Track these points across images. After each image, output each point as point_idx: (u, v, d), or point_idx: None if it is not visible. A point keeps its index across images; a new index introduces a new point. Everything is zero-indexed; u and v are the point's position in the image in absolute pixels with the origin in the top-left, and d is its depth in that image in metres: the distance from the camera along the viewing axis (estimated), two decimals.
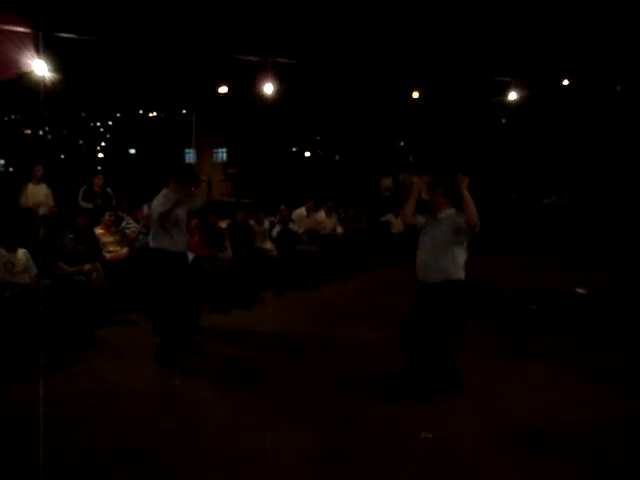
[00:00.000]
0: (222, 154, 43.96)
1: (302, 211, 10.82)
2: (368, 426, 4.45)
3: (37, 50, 7.49)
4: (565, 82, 16.30)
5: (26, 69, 7.48)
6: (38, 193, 9.54)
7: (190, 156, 40.91)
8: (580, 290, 9.09)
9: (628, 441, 4.22)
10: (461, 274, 4.92)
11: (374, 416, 4.62)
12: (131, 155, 43.05)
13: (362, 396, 5.01)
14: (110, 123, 46.58)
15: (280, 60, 9.82)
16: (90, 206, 9.53)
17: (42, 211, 8.59)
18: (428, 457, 3.99)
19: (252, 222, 9.50)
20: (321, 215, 11.06)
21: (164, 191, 5.87)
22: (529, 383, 5.37)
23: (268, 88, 10.59)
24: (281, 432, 4.34)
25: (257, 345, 6.55)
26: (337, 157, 36.89)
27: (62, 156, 34.72)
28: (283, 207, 10.31)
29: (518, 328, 7.16)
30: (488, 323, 7.37)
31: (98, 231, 7.92)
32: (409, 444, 4.17)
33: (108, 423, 4.45)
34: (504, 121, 24.65)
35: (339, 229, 11.17)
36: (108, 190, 9.89)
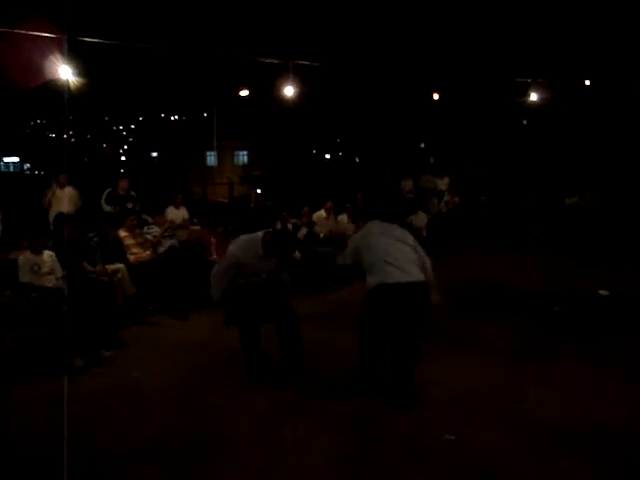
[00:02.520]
0: (243, 156, 44.24)
1: (322, 213, 10.84)
2: (390, 427, 4.45)
3: (62, 55, 7.62)
4: (587, 82, 16.21)
5: (53, 76, 7.62)
6: (62, 195, 9.77)
7: (211, 159, 41.22)
8: (603, 292, 9.00)
9: None
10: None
11: (396, 417, 4.62)
12: (153, 158, 43.44)
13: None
14: (133, 127, 47.04)
15: (301, 62, 9.87)
16: (111, 210, 9.65)
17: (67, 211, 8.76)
18: (452, 459, 3.99)
19: (277, 224, 9.54)
20: (343, 218, 11.06)
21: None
22: (553, 385, 5.31)
23: (288, 90, 10.64)
24: (305, 433, 4.36)
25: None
26: (357, 159, 36.92)
27: (86, 159, 35.16)
28: (306, 209, 10.32)
29: (541, 330, 7.12)
30: (510, 325, 7.33)
31: (122, 234, 8.03)
32: (432, 446, 4.16)
33: (134, 423, 4.52)
34: (525, 122, 24.49)
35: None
36: (132, 193, 9.99)
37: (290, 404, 4.88)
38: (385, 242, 5.04)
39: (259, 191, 8.19)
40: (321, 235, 10.25)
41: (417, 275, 4.91)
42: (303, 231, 9.98)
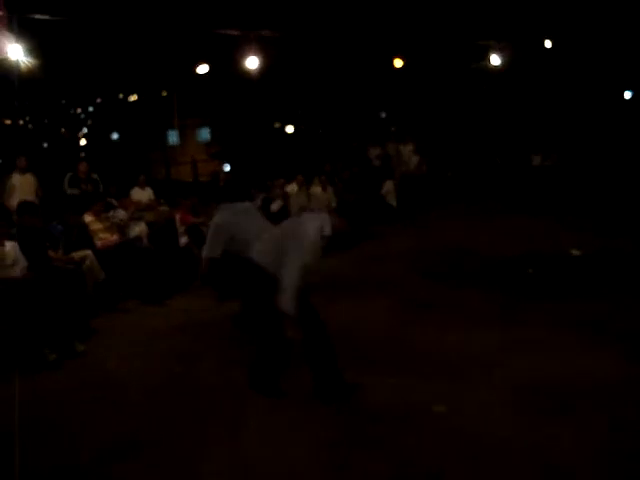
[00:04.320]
0: (205, 134, 43.49)
1: (294, 186, 10.67)
2: (379, 402, 4.36)
3: (12, 33, 7.22)
4: (548, 43, 16.19)
5: (2, 55, 7.21)
6: (23, 182, 9.40)
7: (173, 138, 40.43)
8: (575, 251, 9.07)
9: None
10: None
11: (384, 390, 4.52)
12: (114, 140, 42.53)
13: (368, 369, 4.91)
14: (91, 109, 45.93)
15: (263, 33, 9.58)
16: (76, 192, 9.42)
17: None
18: (444, 431, 3.92)
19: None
20: (316, 190, 10.90)
21: None
22: (536, 348, 5.31)
23: (252, 62, 10.31)
24: (290, 415, 4.24)
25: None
26: (320, 131, 36.59)
27: (45, 145, 34.18)
28: (282, 181, 10.09)
29: (516, 293, 7.11)
30: (485, 290, 7.32)
31: (87, 218, 7.78)
32: (424, 419, 4.10)
33: (115, 418, 4.33)
34: (485, 86, 24.46)
35: (333, 204, 11.00)
36: (94, 176, 9.76)
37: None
38: None
39: (227, 169, 7.97)
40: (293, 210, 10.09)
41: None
42: (277, 204, 9.77)
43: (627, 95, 21.81)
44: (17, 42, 7.42)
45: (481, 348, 5.26)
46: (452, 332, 5.79)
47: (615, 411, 4.07)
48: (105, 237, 7.80)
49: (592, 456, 3.56)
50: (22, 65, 7.66)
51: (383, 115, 33.47)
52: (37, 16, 7.32)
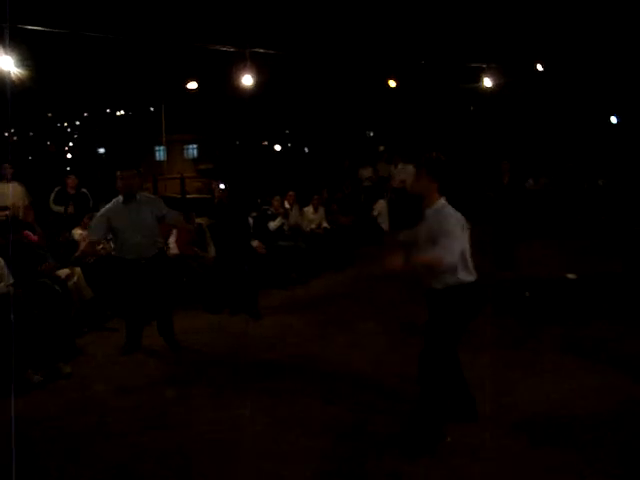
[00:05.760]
0: (193, 150, 43.45)
1: (286, 204, 10.49)
2: (382, 430, 4.19)
3: (3, 45, 7.05)
4: (539, 67, 16.28)
5: None
6: (8, 192, 9.06)
7: (161, 153, 40.32)
8: (570, 275, 9.00)
9: None
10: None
11: (387, 419, 4.35)
12: (101, 155, 42.35)
13: (370, 396, 4.76)
14: (77, 123, 45.78)
15: (257, 50, 9.46)
16: (61, 210, 9.16)
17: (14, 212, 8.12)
18: (452, 460, 3.77)
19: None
20: (309, 210, 10.76)
21: None
22: (536, 372, 5.22)
23: (247, 80, 10.19)
24: (289, 440, 4.07)
25: (252, 346, 6.24)
26: (306, 150, 36.69)
27: (30, 158, 33.90)
28: (278, 198, 9.86)
29: (514, 316, 7.00)
30: (482, 312, 7.18)
31: (77, 232, 7.57)
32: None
33: (103, 446, 4.10)
34: (472, 108, 24.60)
35: (324, 224, 10.83)
36: (83, 190, 9.49)
37: (264, 409, 4.59)
38: None
39: (222, 186, 7.74)
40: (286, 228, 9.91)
41: None
42: (277, 222, 9.51)
43: (613, 120, 22.12)
44: (8, 54, 7.24)
45: (480, 371, 5.11)
46: None
47: (619, 436, 4.00)
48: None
49: None
50: (14, 77, 7.46)
51: (371, 134, 33.62)
52: (28, 27, 7.15)
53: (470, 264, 4.02)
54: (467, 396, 4.26)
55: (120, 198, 6.02)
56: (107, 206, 6.10)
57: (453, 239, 3.79)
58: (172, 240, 8.05)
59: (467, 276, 3.97)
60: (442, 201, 3.94)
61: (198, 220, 8.63)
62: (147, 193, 7.04)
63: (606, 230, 12.47)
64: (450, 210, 3.92)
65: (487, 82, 14.88)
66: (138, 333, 6.16)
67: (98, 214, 6.20)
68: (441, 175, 3.93)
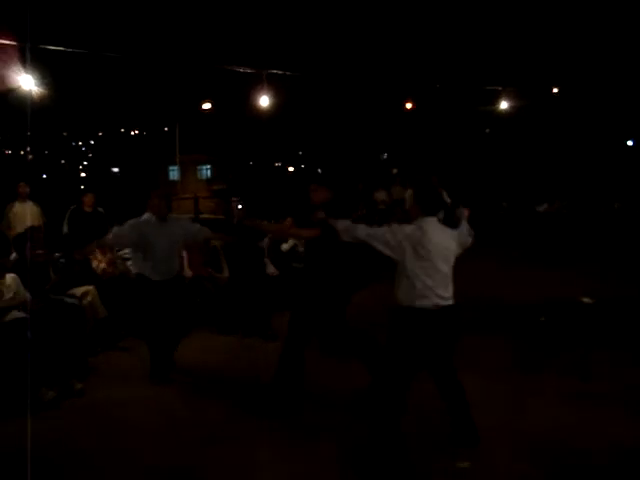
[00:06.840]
0: (206, 171, 43.73)
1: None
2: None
3: (24, 64, 7.13)
4: (555, 90, 16.30)
5: (14, 85, 7.11)
6: (26, 212, 9.11)
7: (174, 173, 40.61)
8: (586, 299, 8.88)
9: None
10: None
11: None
12: (114, 174, 42.68)
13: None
14: (92, 142, 46.24)
15: (275, 72, 9.52)
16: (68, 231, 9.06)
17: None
18: None
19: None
20: None
21: None
22: (552, 400, 5.13)
23: (263, 101, 10.25)
24: (302, 469, 4.02)
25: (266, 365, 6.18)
26: (319, 170, 36.89)
27: (44, 176, 34.27)
28: (290, 220, 9.81)
29: (528, 341, 6.93)
30: (496, 338, 7.12)
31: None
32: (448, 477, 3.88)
33: (118, 468, 4.06)
34: (488, 131, 24.62)
35: None
36: (100, 209, 9.42)
37: (280, 434, 4.53)
38: None
39: (240, 206, 7.75)
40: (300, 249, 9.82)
41: None
42: (290, 243, 9.45)
43: (629, 143, 22.10)
44: (28, 73, 7.34)
45: (494, 396, 5.05)
46: (463, 380, 5.55)
47: (637, 467, 3.93)
48: (108, 269, 7.58)
49: None
50: (34, 95, 7.55)
51: (385, 156, 33.70)
52: (49, 47, 7.24)
53: (432, 291, 3.91)
54: (468, 420, 4.21)
55: (150, 216, 5.98)
56: (138, 220, 5.99)
57: (383, 233, 3.99)
58: (184, 263, 8.03)
59: (422, 301, 3.89)
60: (425, 219, 4.02)
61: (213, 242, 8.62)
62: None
63: (623, 253, 12.36)
64: (421, 230, 3.96)
65: (503, 105, 14.89)
66: (162, 355, 5.98)
67: (127, 224, 6.03)
68: (424, 198, 4.08)
